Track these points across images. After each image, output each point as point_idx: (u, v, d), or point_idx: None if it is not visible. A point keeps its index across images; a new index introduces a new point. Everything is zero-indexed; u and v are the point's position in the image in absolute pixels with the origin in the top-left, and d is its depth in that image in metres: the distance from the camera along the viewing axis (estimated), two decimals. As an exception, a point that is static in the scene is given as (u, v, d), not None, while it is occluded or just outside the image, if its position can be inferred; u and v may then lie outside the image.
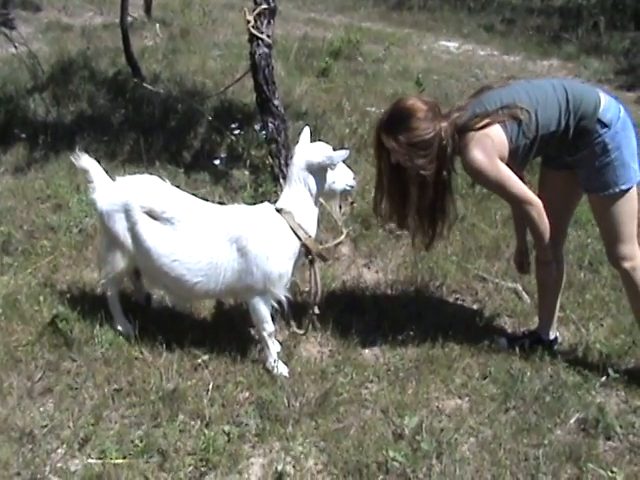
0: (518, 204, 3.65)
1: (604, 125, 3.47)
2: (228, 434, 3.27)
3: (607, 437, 3.53)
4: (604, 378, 3.92)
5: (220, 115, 7.01)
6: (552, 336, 4.17)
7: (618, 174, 3.52)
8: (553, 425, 3.56)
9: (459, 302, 4.61)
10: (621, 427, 3.57)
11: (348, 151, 3.76)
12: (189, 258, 3.61)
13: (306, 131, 3.79)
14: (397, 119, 3.51)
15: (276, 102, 5.47)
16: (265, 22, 5.44)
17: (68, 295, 4.13)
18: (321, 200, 3.90)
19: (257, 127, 5.95)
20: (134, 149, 6.18)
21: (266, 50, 5.44)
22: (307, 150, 3.69)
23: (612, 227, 3.66)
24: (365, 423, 3.45)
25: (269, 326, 3.73)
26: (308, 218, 3.69)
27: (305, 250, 3.69)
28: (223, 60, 9.38)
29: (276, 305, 3.75)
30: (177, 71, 8.77)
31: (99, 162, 3.96)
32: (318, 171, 3.66)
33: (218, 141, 6.46)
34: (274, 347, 3.80)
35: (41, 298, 4.09)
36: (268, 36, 5.45)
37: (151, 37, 10.29)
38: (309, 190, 3.67)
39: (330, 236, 5.07)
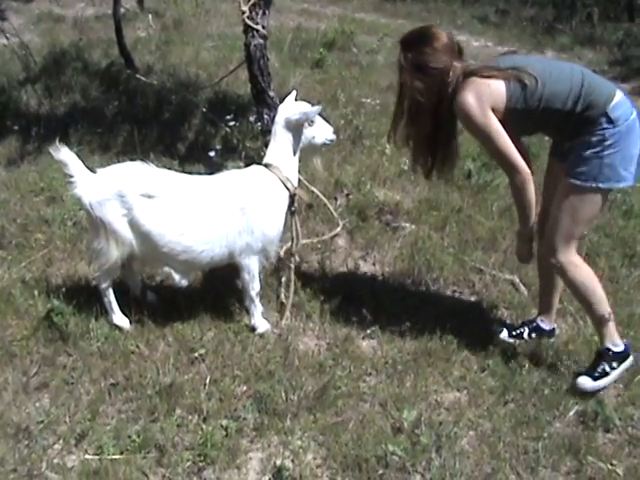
0: (503, 165, 3.58)
1: (610, 121, 3.40)
2: (226, 429, 3.25)
3: (606, 429, 3.52)
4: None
5: (214, 107, 6.98)
6: (550, 327, 4.15)
7: (602, 171, 3.47)
8: (552, 418, 3.55)
9: (456, 294, 4.58)
10: (620, 419, 3.56)
11: (321, 106, 3.99)
12: (195, 228, 3.74)
13: (292, 93, 4.08)
14: (415, 39, 3.59)
15: (271, 93, 5.45)
16: (260, 13, 5.43)
17: (63, 289, 4.07)
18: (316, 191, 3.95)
19: (252, 119, 5.92)
20: (128, 141, 6.13)
21: (261, 41, 5.42)
22: (286, 108, 3.94)
23: (565, 218, 3.59)
24: (364, 417, 3.43)
25: (257, 285, 3.97)
26: (292, 170, 3.96)
27: (290, 200, 3.96)
28: (217, 51, 9.36)
29: (265, 262, 4.02)
30: (170, 62, 8.74)
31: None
32: (297, 127, 3.93)
33: (213, 133, 6.43)
34: (259, 306, 4.02)
35: (36, 292, 4.04)
36: (263, 27, 5.44)
37: (144, 28, 10.25)
38: (291, 145, 3.94)
39: (326, 228, 5.03)
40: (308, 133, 3.96)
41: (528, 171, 3.49)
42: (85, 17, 10.78)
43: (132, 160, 3.98)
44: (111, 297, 3.87)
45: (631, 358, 3.75)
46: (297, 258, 4.20)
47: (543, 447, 3.33)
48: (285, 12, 12.98)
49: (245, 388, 3.53)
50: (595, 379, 3.69)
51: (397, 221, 5.31)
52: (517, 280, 4.64)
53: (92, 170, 3.79)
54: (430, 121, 3.60)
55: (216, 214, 3.76)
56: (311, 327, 4.08)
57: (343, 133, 6.50)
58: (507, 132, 3.46)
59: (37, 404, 3.37)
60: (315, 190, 4.54)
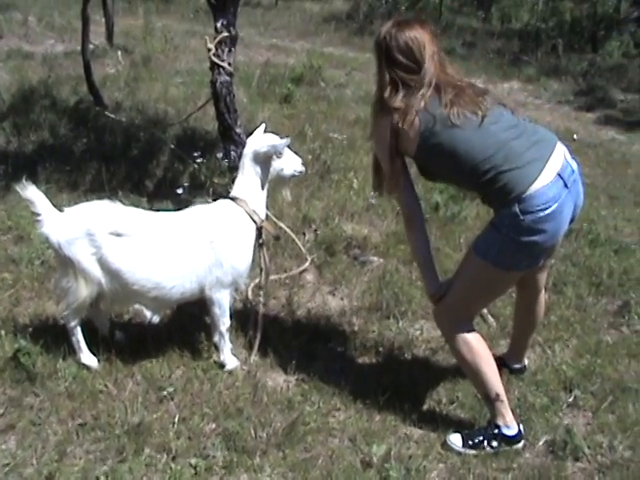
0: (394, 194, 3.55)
1: (518, 211, 3.19)
2: (195, 467, 3.24)
3: (575, 458, 3.55)
4: (571, 399, 3.98)
5: (183, 143, 7.01)
6: (521, 365, 4.16)
7: (500, 251, 3.30)
8: (522, 448, 3.56)
9: (425, 327, 4.59)
10: (589, 448, 3.59)
11: (289, 139, 3.99)
12: (165, 265, 3.75)
13: (261, 126, 4.12)
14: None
15: (238, 130, 5.49)
16: (226, 50, 5.49)
17: (30, 328, 4.05)
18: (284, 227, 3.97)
19: (219, 155, 5.95)
20: (96, 179, 6.12)
21: (227, 78, 5.48)
22: (254, 141, 3.97)
23: (459, 283, 3.48)
24: (333, 452, 3.43)
25: (228, 320, 3.99)
26: (260, 203, 3.98)
27: (258, 233, 3.98)
28: (185, 87, 9.40)
29: (236, 296, 4.11)
30: (139, 99, 8.76)
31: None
32: (265, 159, 3.94)
33: (181, 169, 6.44)
34: (229, 343, 4.02)
35: (2, 332, 3.99)
36: (229, 64, 5.49)
37: (113, 65, 10.26)
38: (259, 177, 3.95)
39: (294, 263, 5.05)
40: (276, 165, 3.98)
41: (411, 213, 3.48)
42: (54, 54, 10.76)
43: (100, 198, 3.99)
44: (79, 336, 3.85)
45: (520, 444, 3.56)
46: (266, 292, 4.21)
47: (513, 478, 3.36)
48: (254, 47, 13.08)
49: (214, 426, 3.52)
50: (466, 446, 3.53)
51: (365, 255, 5.35)
52: (485, 311, 4.64)
53: (60, 209, 3.79)
54: None
55: (185, 249, 3.77)
56: (280, 363, 4.08)
57: (311, 168, 6.53)
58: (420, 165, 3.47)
59: (3, 446, 3.32)
60: (283, 226, 4.57)
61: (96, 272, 3.68)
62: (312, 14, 17.80)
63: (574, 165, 3.37)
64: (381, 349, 4.27)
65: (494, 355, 4.10)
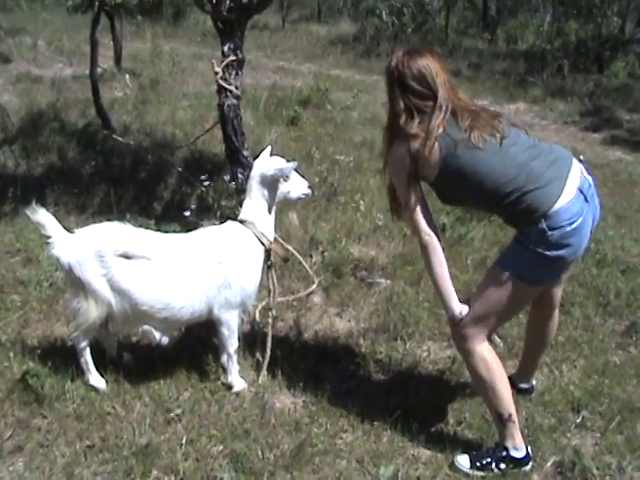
0: (408, 221, 3.55)
1: (546, 228, 3.25)
2: (203, 489, 3.24)
3: (584, 479, 3.53)
4: (579, 420, 3.97)
5: (190, 166, 7.07)
6: (529, 385, 4.16)
7: (527, 266, 3.36)
8: (530, 470, 3.55)
9: (432, 348, 4.60)
10: (598, 469, 3.57)
11: (296, 162, 4.03)
12: (174, 285, 3.78)
13: (267, 148, 4.13)
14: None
15: (245, 153, 5.53)
16: (233, 73, 5.54)
17: (39, 350, 4.08)
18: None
19: (226, 178, 5.99)
20: (104, 201, 6.17)
21: (234, 101, 5.52)
22: (262, 164, 4.00)
23: (482, 299, 3.47)
24: (341, 474, 3.43)
25: (236, 342, 4.01)
26: (267, 226, 4.01)
27: (266, 255, 4.00)
28: (193, 110, 9.49)
29: (244, 317, 4.09)
30: (147, 122, 8.85)
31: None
32: (272, 182, 3.98)
33: (188, 192, 6.49)
34: (236, 364, 4.04)
35: (11, 354, 4.03)
36: (236, 87, 5.55)
37: (121, 88, 10.38)
38: (266, 200, 3.99)
39: (302, 285, 5.07)
40: (283, 188, 4.01)
41: (428, 241, 3.43)
42: (63, 77, 10.89)
43: (109, 220, 4.02)
44: (88, 357, 3.87)
45: (528, 467, 3.55)
46: (274, 313, 4.23)
47: (521, 500, 3.36)
48: (261, 70, 13.19)
49: (221, 447, 3.53)
50: (474, 467, 3.53)
51: (372, 277, 5.37)
52: (495, 335, 4.65)
53: (69, 231, 3.82)
54: None
55: (194, 270, 3.81)
56: (287, 385, 4.08)
57: (318, 190, 6.58)
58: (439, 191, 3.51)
59: (11, 468, 3.34)
60: (290, 248, 4.58)
61: (106, 293, 3.70)
62: (319, 37, 17.97)
63: (590, 180, 3.43)
64: (389, 370, 4.28)
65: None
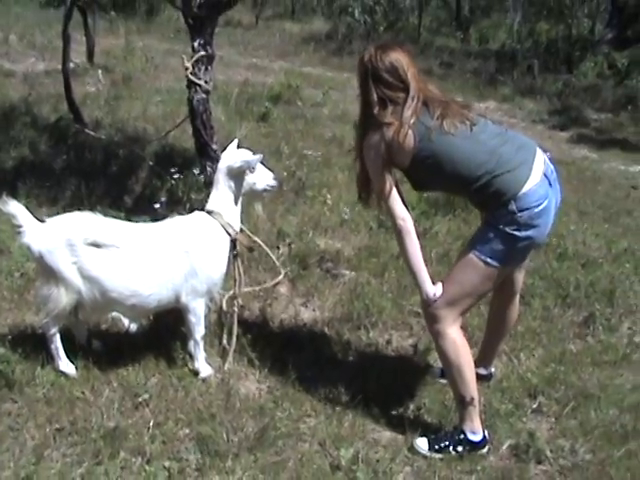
0: (384, 207, 3.66)
1: (515, 209, 3.43)
2: (169, 470, 3.34)
3: (538, 461, 3.68)
4: (535, 405, 4.12)
5: (161, 160, 7.14)
6: (488, 372, 4.30)
7: (494, 249, 3.51)
8: (486, 452, 3.69)
9: (394, 337, 4.74)
10: (551, 451, 3.73)
11: (262, 155, 4.16)
12: (143, 273, 3.88)
13: (235, 141, 4.27)
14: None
15: (214, 146, 5.63)
16: (203, 69, 5.65)
17: (9, 337, 4.14)
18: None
19: (196, 171, 6.08)
20: (76, 194, 6.24)
21: (204, 96, 5.63)
22: (228, 156, 4.13)
23: (452, 282, 3.62)
24: (303, 456, 3.55)
25: (202, 329, 4.12)
26: (234, 216, 4.13)
27: (232, 245, 4.11)
28: (164, 105, 9.55)
29: (211, 305, 4.20)
30: (119, 117, 8.90)
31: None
32: (238, 174, 4.10)
33: (159, 185, 6.56)
34: (203, 351, 4.16)
35: (-18, 342, 4.12)
36: (206, 82, 5.65)
37: (93, 83, 10.38)
38: (232, 191, 4.10)
39: (269, 277, 5.16)
40: (249, 180, 4.12)
41: (404, 226, 3.57)
42: (35, 72, 10.89)
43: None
44: (58, 344, 3.96)
45: (484, 450, 3.71)
46: (240, 302, 4.37)
47: (477, 479, 3.49)
48: (233, 66, 13.25)
49: (187, 431, 3.63)
50: (432, 449, 3.68)
51: (337, 268, 5.49)
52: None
53: (40, 220, 3.91)
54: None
55: (162, 258, 3.91)
56: (252, 372, 4.20)
57: (286, 185, 6.70)
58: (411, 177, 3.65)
59: (-18, 450, 3.44)
60: (258, 240, 4.68)
61: (76, 280, 3.80)
62: (292, 34, 18.03)
63: (552, 166, 3.63)
64: (351, 358, 4.42)
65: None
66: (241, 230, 4.23)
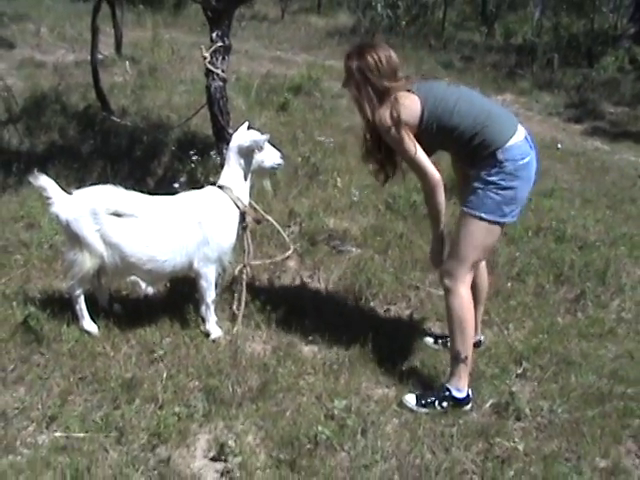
0: (416, 171, 3.99)
1: (499, 161, 3.83)
2: (178, 415, 3.72)
3: (517, 418, 4.01)
4: (520, 370, 4.44)
5: (183, 145, 7.50)
6: (476, 339, 4.60)
7: (485, 203, 3.87)
8: (470, 409, 4.04)
9: (393, 308, 5.11)
10: (531, 410, 4.06)
11: (269, 135, 4.51)
12: (159, 241, 4.27)
13: (245, 124, 4.63)
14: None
15: (230, 131, 5.97)
16: (220, 58, 6.02)
17: (38, 300, 4.56)
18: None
19: (213, 154, 6.45)
20: (102, 175, 6.61)
21: (220, 84, 6.00)
22: (239, 136, 4.51)
23: (457, 242, 3.99)
24: (300, 406, 3.91)
25: (213, 293, 4.51)
26: (243, 191, 4.51)
27: (241, 218, 4.49)
28: (188, 95, 9.90)
29: (221, 271, 4.56)
30: (144, 106, 9.28)
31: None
32: (248, 153, 4.48)
33: (180, 168, 6.94)
34: (214, 314, 4.54)
35: (14, 303, 4.52)
36: (222, 71, 6.01)
37: (121, 74, 10.74)
38: (242, 168, 4.50)
39: (279, 252, 5.50)
40: (258, 158, 4.50)
41: (438, 177, 3.91)
42: (65, 63, 11.26)
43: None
44: (82, 305, 4.35)
45: (468, 407, 4.07)
46: (249, 270, 4.77)
47: (458, 431, 3.82)
48: (258, 59, 13.58)
49: (197, 383, 4.02)
50: (419, 405, 4.03)
51: (344, 246, 5.85)
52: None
53: (67, 192, 4.30)
54: (372, 134, 4.11)
55: (177, 228, 4.30)
56: (259, 334, 4.58)
57: (301, 170, 7.07)
58: (420, 144, 3.94)
59: (14, 394, 3.83)
60: (269, 218, 5.01)
61: (99, 246, 4.19)
62: (317, 28, 18.31)
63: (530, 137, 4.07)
64: (351, 324, 4.75)
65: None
66: (250, 204, 4.60)
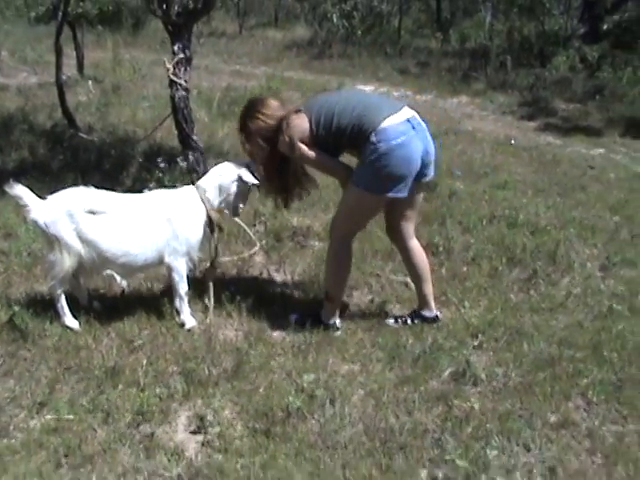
0: (325, 172, 4.83)
1: (372, 142, 4.34)
2: (159, 395, 4.01)
3: (474, 384, 4.34)
4: (476, 343, 4.77)
5: (149, 157, 7.78)
6: (432, 315, 4.98)
7: (365, 178, 4.44)
8: (429, 377, 4.36)
9: (355, 294, 5.41)
10: (487, 376, 4.38)
11: (257, 182, 4.85)
12: (131, 236, 4.56)
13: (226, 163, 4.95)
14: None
15: (194, 137, 6.32)
16: (182, 69, 6.35)
17: (22, 301, 4.81)
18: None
19: (180, 160, 6.75)
20: (72, 186, 6.81)
21: (184, 93, 6.33)
22: (232, 171, 4.82)
23: (341, 207, 4.71)
24: (272, 383, 4.21)
25: (185, 285, 4.80)
26: (214, 195, 4.79)
27: (208, 220, 4.77)
28: (152, 110, 10.22)
29: (191, 266, 4.82)
30: (109, 122, 9.58)
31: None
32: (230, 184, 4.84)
33: (148, 177, 7.18)
34: (187, 306, 4.83)
35: (-2, 305, 4.77)
36: (185, 81, 6.34)
37: (84, 93, 11.03)
38: (220, 190, 4.82)
39: (247, 250, 5.77)
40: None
41: (348, 172, 4.59)
42: (28, 85, 11.50)
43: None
44: (63, 302, 4.62)
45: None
46: (217, 267, 5.11)
47: (419, 397, 4.14)
48: (218, 73, 13.92)
49: (175, 367, 4.29)
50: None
51: (307, 241, 6.19)
52: (409, 280, 5.36)
53: (42, 197, 4.56)
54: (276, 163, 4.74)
55: (147, 224, 4.60)
56: (231, 322, 4.87)
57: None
58: (326, 150, 4.55)
59: (4, 385, 4.07)
60: (236, 218, 5.29)
61: (76, 245, 4.47)
62: (275, 42, 18.69)
63: (423, 124, 4.60)
64: (316, 311, 5.02)
65: (412, 310, 5.04)
66: (219, 209, 4.88)
